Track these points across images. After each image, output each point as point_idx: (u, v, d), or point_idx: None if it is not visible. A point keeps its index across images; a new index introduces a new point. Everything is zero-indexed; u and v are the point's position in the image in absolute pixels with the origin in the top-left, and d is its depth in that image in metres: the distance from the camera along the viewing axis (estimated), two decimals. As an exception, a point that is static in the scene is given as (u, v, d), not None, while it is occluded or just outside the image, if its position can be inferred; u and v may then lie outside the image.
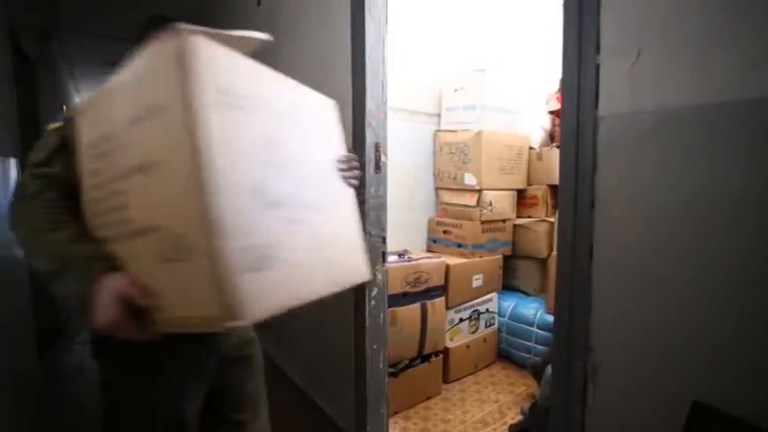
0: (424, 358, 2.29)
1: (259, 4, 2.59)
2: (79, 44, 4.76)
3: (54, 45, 4.14)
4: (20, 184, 0.82)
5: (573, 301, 0.98)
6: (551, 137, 3.01)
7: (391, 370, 2.04)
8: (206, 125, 0.59)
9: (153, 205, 0.65)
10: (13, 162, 2.01)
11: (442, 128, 2.79)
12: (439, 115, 2.82)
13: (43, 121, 3.12)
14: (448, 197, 2.74)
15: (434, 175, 2.81)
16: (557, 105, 2.78)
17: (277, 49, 2.43)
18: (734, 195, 0.74)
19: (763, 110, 0.70)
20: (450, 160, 2.68)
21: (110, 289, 0.67)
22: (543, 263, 2.67)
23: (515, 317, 2.67)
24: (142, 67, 0.67)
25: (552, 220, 2.64)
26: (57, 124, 0.87)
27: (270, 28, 2.47)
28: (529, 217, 2.80)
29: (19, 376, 1.90)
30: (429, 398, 2.31)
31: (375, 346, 1.75)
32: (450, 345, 2.45)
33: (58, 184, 0.79)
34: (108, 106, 0.73)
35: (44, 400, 2.32)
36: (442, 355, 2.39)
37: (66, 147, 0.82)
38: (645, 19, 0.84)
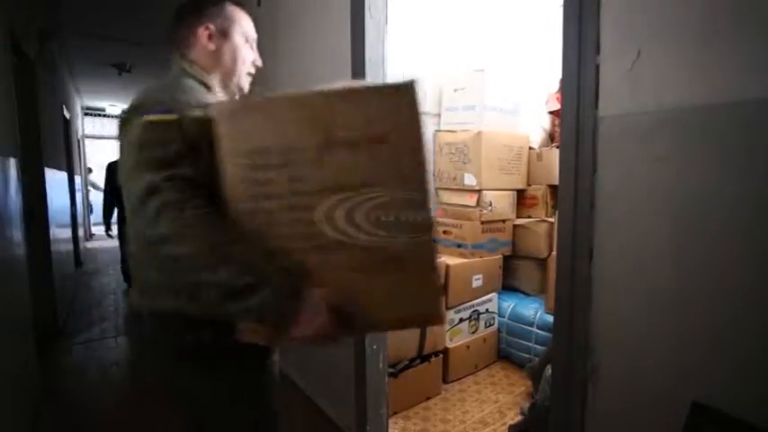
0: (424, 358, 2.28)
1: (259, 4, 2.59)
2: (79, 44, 4.76)
3: (54, 45, 4.14)
4: (153, 188, 0.71)
5: (573, 301, 0.98)
6: (551, 137, 3.01)
7: (391, 370, 2.04)
8: (427, 158, 0.73)
9: None
10: (12, 162, 2.01)
11: (442, 128, 2.79)
12: (438, 115, 2.83)
13: (43, 121, 3.12)
14: (448, 197, 2.74)
15: (434, 175, 2.81)
16: (556, 105, 2.78)
17: (277, 48, 2.43)
18: (733, 195, 0.74)
19: (762, 110, 0.70)
20: (450, 160, 2.68)
21: (317, 299, 0.70)
22: (543, 263, 2.67)
23: (515, 317, 2.67)
24: (359, 100, 0.73)
25: (552, 220, 2.65)
26: (170, 116, 0.77)
27: (270, 28, 2.46)
28: (529, 217, 2.80)
29: (19, 376, 1.90)
30: (429, 398, 2.31)
31: (375, 347, 1.75)
32: (449, 345, 2.45)
33: (198, 189, 0.74)
34: (284, 121, 0.75)
35: (44, 400, 2.32)
36: (441, 356, 2.39)
37: (194, 145, 0.75)
38: (645, 19, 0.84)
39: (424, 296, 0.75)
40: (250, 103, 0.81)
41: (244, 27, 1.01)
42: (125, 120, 0.81)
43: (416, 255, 0.73)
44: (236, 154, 0.75)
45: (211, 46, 0.98)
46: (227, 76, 0.99)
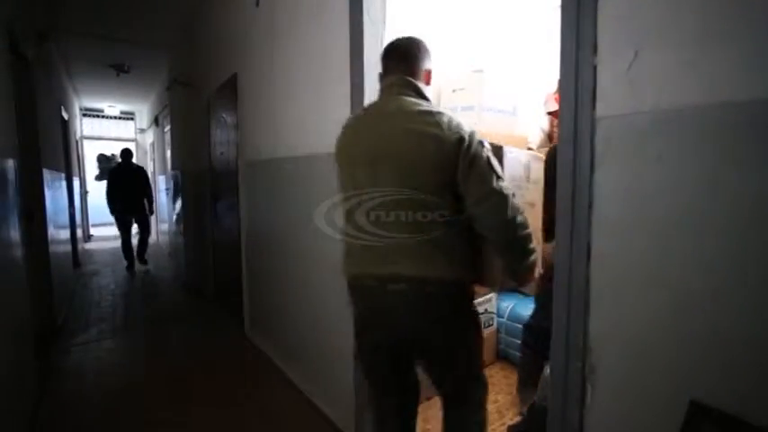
0: (423, 359, 2.28)
1: (258, 4, 2.59)
2: (77, 45, 4.76)
3: (52, 46, 4.14)
4: (509, 191, 1.16)
5: (571, 301, 0.98)
6: (549, 137, 3.01)
7: (390, 370, 2.04)
8: None
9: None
10: (10, 163, 2.01)
11: (441, 128, 2.78)
12: (437, 116, 2.82)
13: (41, 122, 3.11)
14: (446, 198, 2.74)
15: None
16: (555, 106, 2.78)
17: (275, 49, 2.43)
18: (731, 196, 0.74)
19: (760, 110, 0.70)
20: (449, 161, 2.68)
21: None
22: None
23: (514, 317, 2.67)
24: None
25: (551, 220, 2.65)
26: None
27: (268, 28, 2.47)
28: (527, 217, 2.80)
29: (18, 376, 1.90)
30: (429, 398, 2.30)
31: (374, 347, 1.74)
32: (448, 345, 2.45)
33: None
34: (518, 168, 1.67)
35: (42, 401, 2.32)
36: (440, 356, 2.38)
37: None
38: (642, 19, 0.84)
39: None
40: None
41: None
42: (462, 137, 1.14)
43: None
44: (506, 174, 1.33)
45: (427, 86, 1.25)
46: None
